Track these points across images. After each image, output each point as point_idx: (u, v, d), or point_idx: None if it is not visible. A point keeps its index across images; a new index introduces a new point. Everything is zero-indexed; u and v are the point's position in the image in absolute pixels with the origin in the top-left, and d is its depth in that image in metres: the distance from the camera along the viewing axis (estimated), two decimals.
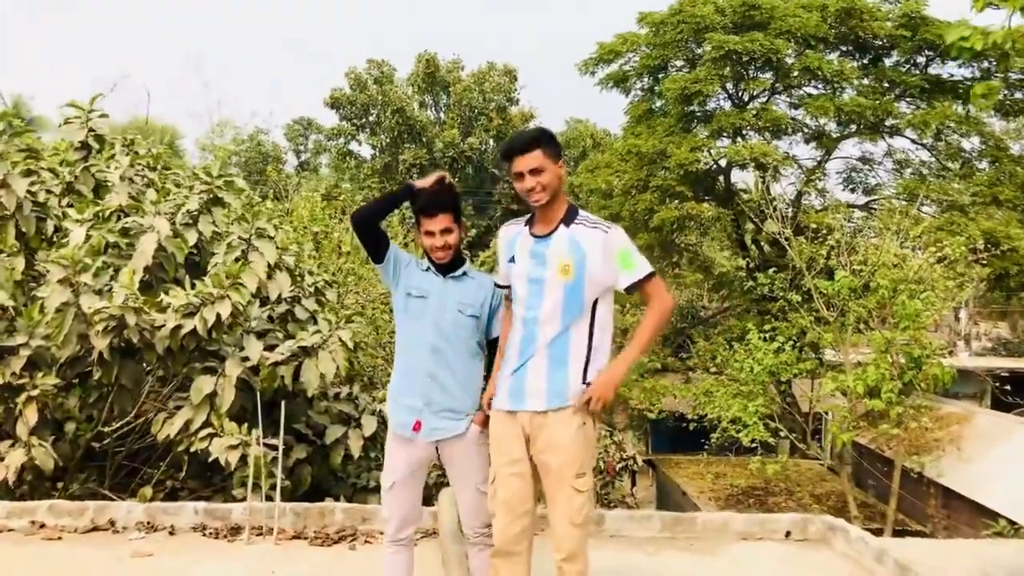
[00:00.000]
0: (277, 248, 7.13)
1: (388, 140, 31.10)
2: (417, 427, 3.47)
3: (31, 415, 5.71)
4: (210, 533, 5.10)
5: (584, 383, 3.36)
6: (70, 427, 6.50)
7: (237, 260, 6.60)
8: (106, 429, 6.31)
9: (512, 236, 3.55)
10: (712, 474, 17.67)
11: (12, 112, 6.40)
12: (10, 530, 5.06)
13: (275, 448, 5.86)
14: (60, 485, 6.58)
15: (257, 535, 5.06)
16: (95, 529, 5.10)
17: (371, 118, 31.40)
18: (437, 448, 3.52)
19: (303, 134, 40.22)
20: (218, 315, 6.02)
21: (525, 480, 3.38)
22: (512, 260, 3.49)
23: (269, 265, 6.69)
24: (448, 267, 3.56)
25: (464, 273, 3.60)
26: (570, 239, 3.37)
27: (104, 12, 76.90)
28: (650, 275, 3.38)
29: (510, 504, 3.35)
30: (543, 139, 3.39)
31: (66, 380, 6.26)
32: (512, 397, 3.39)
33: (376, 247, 3.58)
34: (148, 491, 6.33)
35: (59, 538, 4.95)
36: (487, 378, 3.60)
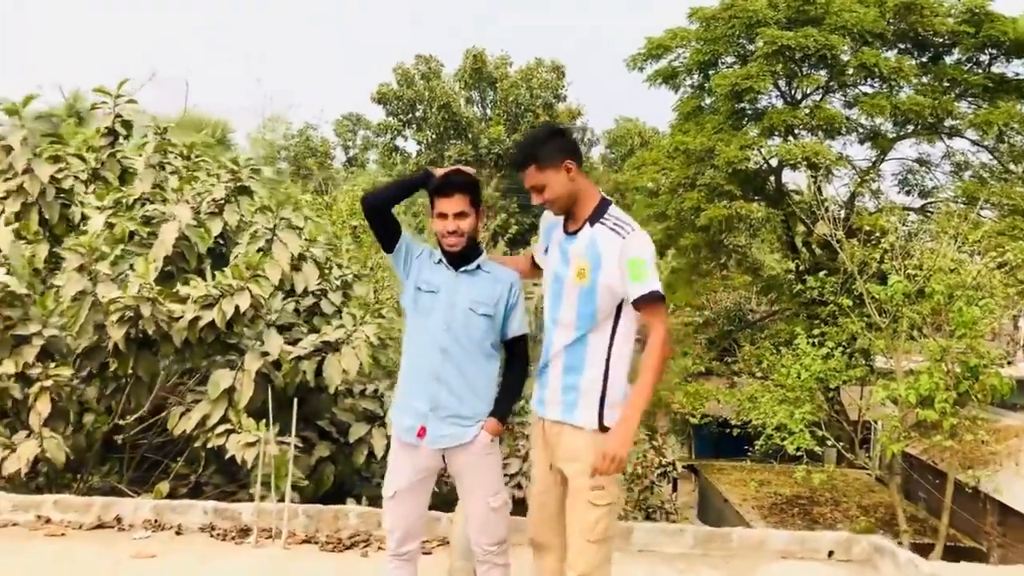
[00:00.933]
0: (305, 239, 6.96)
1: (434, 136, 30.96)
2: (422, 433, 3.19)
3: (44, 406, 5.55)
4: (218, 534, 4.88)
5: (600, 402, 3.08)
6: (88, 419, 6.38)
7: (260, 251, 6.42)
8: (122, 422, 6.14)
9: (552, 223, 3.29)
10: (755, 481, 17.18)
11: (18, 104, 6.25)
12: (14, 524, 4.90)
13: (293, 446, 5.67)
14: (79, 477, 6.47)
15: (266, 538, 4.83)
16: (100, 526, 4.91)
17: (417, 114, 31.30)
18: (444, 457, 3.22)
19: (352, 129, 40.24)
20: (237, 307, 5.82)
21: (551, 479, 3.20)
22: (547, 251, 3.27)
23: (293, 257, 6.50)
24: (461, 259, 3.25)
25: (478, 267, 3.27)
26: (590, 240, 3.08)
27: (161, 6, 77.96)
28: (653, 294, 2.97)
29: (538, 497, 3.24)
30: (535, 151, 3.07)
31: (83, 370, 6.12)
32: (537, 401, 3.22)
33: (387, 234, 3.29)
34: (164, 487, 6.16)
35: (62, 535, 4.77)
36: (506, 382, 3.31)
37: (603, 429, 3.05)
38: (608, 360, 3.07)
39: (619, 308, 3.08)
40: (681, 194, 18.42)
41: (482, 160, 29.60)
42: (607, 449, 2.93)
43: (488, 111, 32.17)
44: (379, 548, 4.78)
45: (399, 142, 33.21)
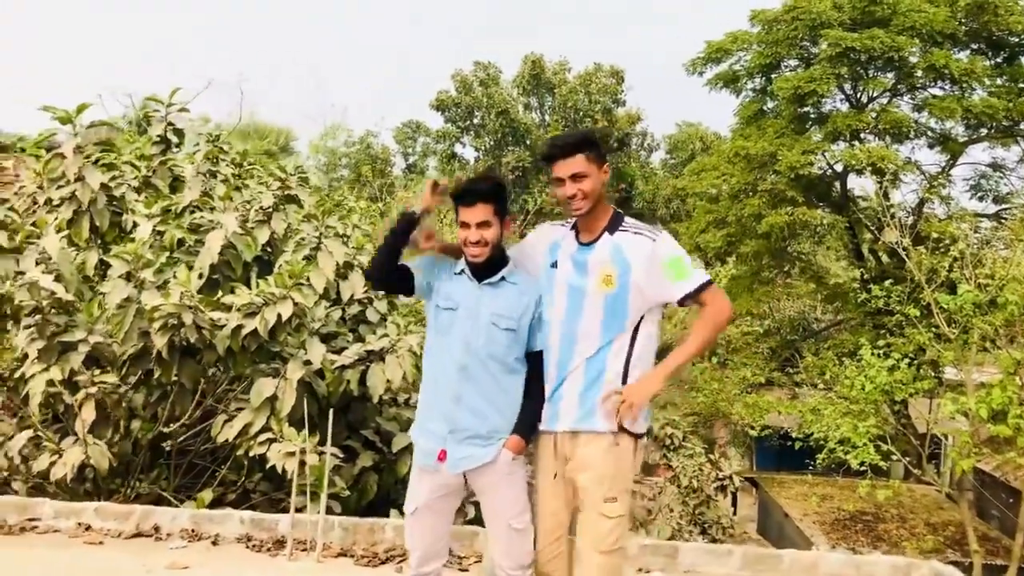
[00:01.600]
0: (352, 248, 6.92)
1: (492, 142, 30.97)
2: (442, 456, 3.06)
3: (89, 413, 5.58)
4: (254, 545, 4.83)
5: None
6: (135, 425, 6.40)
7: (306, 259, 6.39)
8: (166, 429, 6.15)
9: (557, 238, 3.22)
10: (817, 496, 16.68)
11: (71, 112, 6.32)
12: (55, 531, 4.93)
13: (335, 456, 5.62)
14: (126, 483, 6.50)
15: (302, 550, 4.77)
16: (139, 535, 4.91)
17: (475, 120, 31.34)
18: (466, 477, 3.09)
19: (411, 136, 40.46)
20: (279, 316, 5.78)
21: (561, 501, 3.10)
22: (555, 265, 3.15)
23: (338, 265, 6.45)
24: (484, 271, 3.12)
25: (502, 279, 3.14)
26: (614, 247, 3.06)
27: (225, 15, 79.66)
28: (707, 283, 3.03)
29: (546, 523, 3.13)
30: (587, 142, 3.08)
31: (129, 377, 6.15)
32: (549, 416, 3.11)
33: (404, 286, 3.21)
34: (208, 495, 6.15)
35: (100, 543, 4.77)
36: (529, 395, 3.16)
37: (623, 431, 3.00)
38: (628, 362, 3.03)
39: (640, 318, 3.07)
40: (742, 200, 18.02)
41: (539, 167, 29.48)
42: (626, 392, 2.95)
43: (546, 117, 32.05)
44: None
45: (457, 149, 33.30)
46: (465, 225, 3.05)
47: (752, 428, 17.15)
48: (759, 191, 17.62)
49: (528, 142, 30.53)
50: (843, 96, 18.91)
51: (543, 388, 3.11)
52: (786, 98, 17.50)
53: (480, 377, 3.06)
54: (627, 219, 3.14)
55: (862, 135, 18.04)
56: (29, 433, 5.81)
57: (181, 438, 6.47)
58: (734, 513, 19.18)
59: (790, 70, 18.80)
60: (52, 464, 5.67)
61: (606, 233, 3.09)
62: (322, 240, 6.48)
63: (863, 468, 13.46)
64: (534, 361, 3.15)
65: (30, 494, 6.01)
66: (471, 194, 3.07)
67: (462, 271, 3.14)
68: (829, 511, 16.77)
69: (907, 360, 13.50)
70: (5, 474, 5.95)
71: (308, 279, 6.11)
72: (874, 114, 17.76)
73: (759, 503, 20.58)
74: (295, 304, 5.86)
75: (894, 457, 13.80)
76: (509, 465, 3.07)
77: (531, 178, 29.02)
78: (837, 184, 19.55)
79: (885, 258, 18.98)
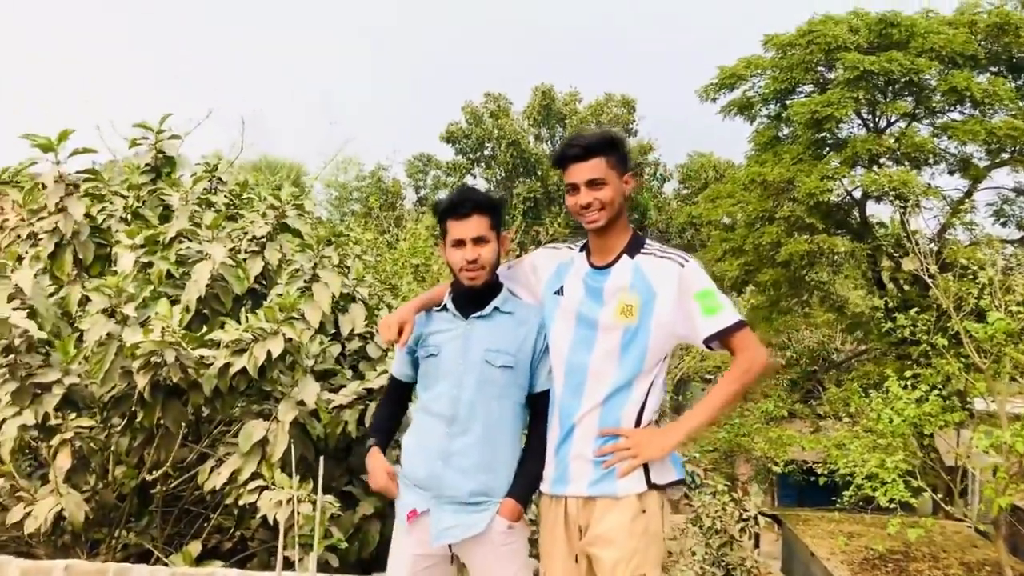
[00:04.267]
0: (353, 279, 6.53)
1: (503, 174, 30.74)
2: (411, 517, 2.61)
3: (64, 460, 5.16)
4: None
5: None
6: (119, 472, 5.98)
7: (300, 291, 5.98)
8: (150, 476, 5.71)
9: (563, 261, 2.76)
10: (844, 534, 16.04)
11: (52, 139, 5.97)
12: None
13: (331, 504, 5.19)
14: (112, 534, 6.07)
15: None
16: None
17: (486, 152, 31.14)
18: (451, 548, 2.63)
19: (423, 170, 40.35)
20: (269, 352, 5.35)
21: (577, 572, 2.63)
22: (560, 292, 2.69)
23: (334, 297, 6.04)
24: (474, 301, 2.67)
25: (495, 309, 2.70)
26: (635, 271, 2.61)
27: (234, 52, 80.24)
28: (739, 323, 2.59)
29: None
30: (607, 145, 2.66)
31: (110, 420, 5.73)
32: (556, 477, 2.64)
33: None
34: (195, 547, 5.68)
35: None
36: (530, 448, 2.70)
37: (652, 487, 2.55)
38: (641, 412, 2.58)
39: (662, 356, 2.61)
40: (759, 228, 17.57)
41: (552, 197, 29.19)
42: (634, 441, 2.52)
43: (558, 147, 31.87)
44: None
45: (468, 180, 33.10)
46: (459, 244, 2.62)
47: (775, 464, 16.56)
48: (776, 219, 17.18)
49: (539, 173, 30.29)
50: (861, 121, 18.52)
51: (546, 437, 2.66)
52: (803, 123, 17.11)
53: (472, 429, 2.61)
54: (649, 241, 2.70)
55: (881, 160, 17.61)
56: (1, 483, 5.39)
57: (173, 484, 6.06)
58: (757, 551, 18.54)
59: (806, 95, 18.43)
60: (25, 516, 5.27)
61: (625, 255, 2.65)
62: (317, 271, 6.07)
63: (892, 505, 12.92)
64: (538, 405, 2.69)
65: (2, 548, 5.59)
66: (465, 203, 2.64)
67: (444, 307, 2.70)
68: (857, 550, 16.12)
69: (935, 391, 12.99)
70: None
71: (302, 313, 5.71)
72: (894, 139, 17.34)
73: (783, 541, 19.91)
74: (287, 340, 5.44)
75: (924, 493, 13.26)
76: (504, 535, 2.61)
77: (543, 210, 28.69)
78: (855, 211, 19.10)
79: (907, 286, 18.48)
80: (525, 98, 32.06)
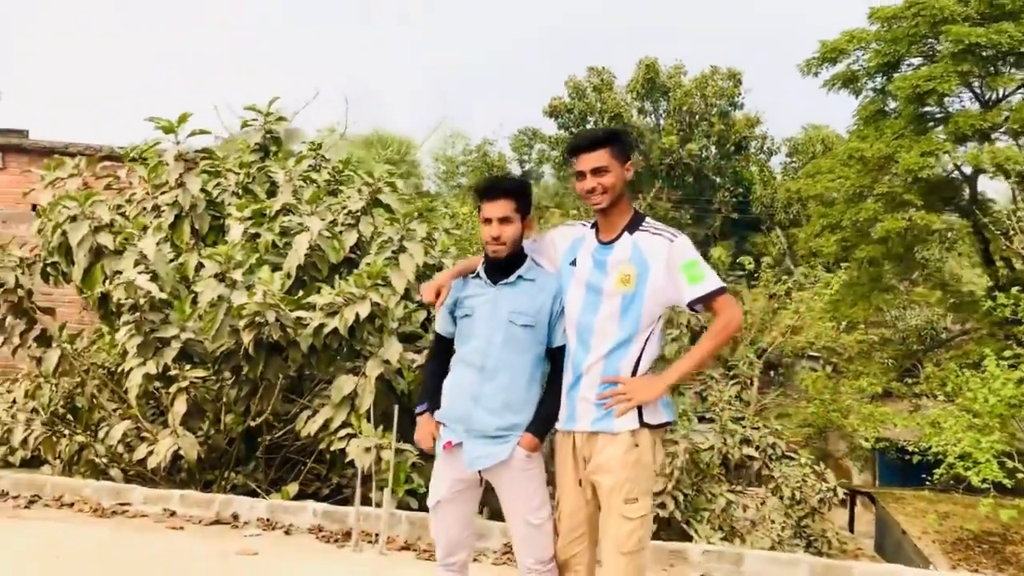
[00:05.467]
0: (439, 251, 7.10)
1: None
2: (447, 446, 3.14)
3: (180, 406, 5.92)
4: (324, 536, 5.02)
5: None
6: (229, 419, 6.73)
7: (388, 260, 6.58)
8: (253, 423, 6.43)
9: (577, 237, 3.24)
10: (936, 514, 15.86)
11: (173, 122, 6.70)
12: (143, 516, 5.24)
13: (412, 452, 5.75)
14: (221, 474, 6.84)
15: (369, 542, 4.91)
16: (218, 522, 5.17)
17: (589, 126, 31.31)
18: (481, 474, 3.15)
19: (528, 144, 40.80)
20: (357, 315, 5.98)
21: (581, 500, 3.12)
22: (574, 263, 3.18)
23: (419, 267, 6.61)
24: (501, 272, 3.18)
25: (519, 277, 3.19)
26: (633, 247, 3.07)
27: (353, 29, 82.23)
28: (720, 289, 3.00)
29: (566, 522, 3.16)
30: (611, 138, 3.12)
31: (220, 373, 6.47)
32: (567, 416, 3.13)
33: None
34: (293, 488, 6.41)
35: (181, 528, 5.05)
36: (547, 391, 3.20)
37: (643, 426, 3.01)
38: (637, 364, 3.05)
39: (656, 319, 3.08)
40: (857, 204, 17.36)
41: (654, 170, 29.22)
42: (628, 387, 2.98)
43: (661, 121, 31.74)
44: (475, 559, 4.75)
45: None
46: (487, 221, 3.13)
47: (866, 440, 16.45)
48: (875, 194, 16.93)
49: (642, 147, 30.31)
50: (972, 95, 17.97)
51: (560, 385, 3.15)
52: (905, 97, 16.76)
53: (498, 375, 3.11)
54: (648, 219, 3.14)
55: (994, 135, 17.09)
56: (128, 424, 6.20)
57: (278, 434, 6.77)
58: (851, 529, 18.45)
59: (912, 68, 17.99)
60: (149, 454, 6.07)
61: (626, 232, 3.10)
62: (404, 242, 6.65)
63: (984, 485, 12.76)
64: (556, 358, 3.18)
65: (130, 481, 6.43)
66: (494, 189, 3.14)
67: (477, 275, 3.21)
68: (951, 530, 15.90)
69: None
70: (105, 461, 6.36)
71: (388, 280, 6.31)
72: (1005, 113, 16.79)
73: (876, 519, 19.72)
74: (373, 304, 6.05)
75: (1020, 474, 13.02)
76: (524, 462, 3.10)
77: (644, 183, 28.77)
78: (966, 187, 18.59)
79: (1018, 264, 17.91)
80: (629, 72, 32.11)
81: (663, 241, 3.03)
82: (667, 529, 7.87)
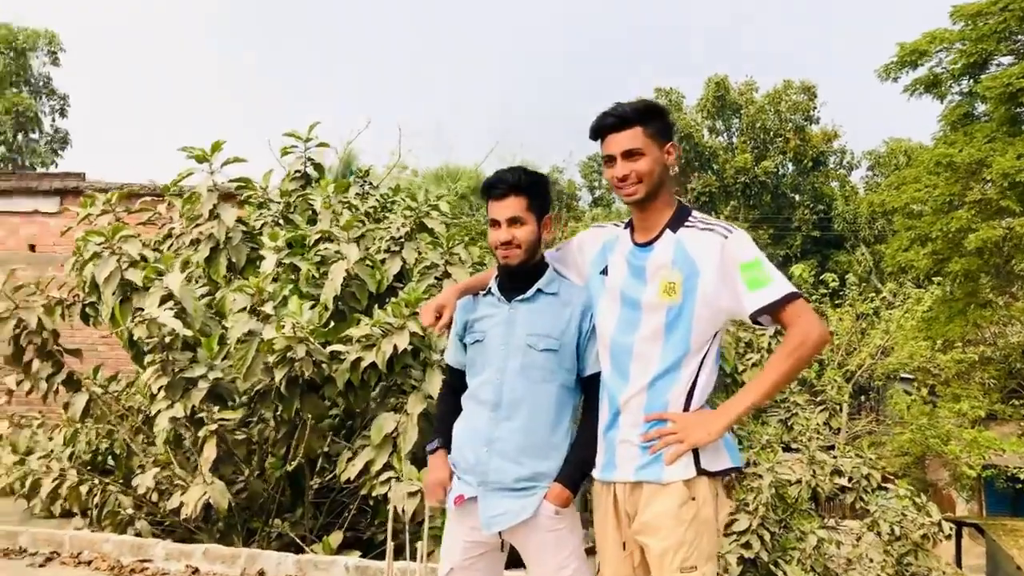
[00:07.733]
0: None
1: (676, 169, 30.19)
2: (458, 501, 2.56)
3: (210, 451, 5.49)
4: None
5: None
6: (268, 463, 6.30)
7: (430, 287, 6.10)
8: (289, 467, 5.98)
9: (608, 240, 2.62)
10: None
11: (206, 151, 6.40)
12: (164, 573, 4.80)
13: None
14: (266, 522, 6.40)
15: None
16: None
17: None
18: (501, 535, 2.57)
19: (597, 170, 40.32)
20: (395, 347, 5.48)
21: (627, 566, 2.51)
22: (605, 272, 2.56)
23: None
24: (516, 286, 2.60)
25: (539, 291, 2.61)
26: (677, 247, 2.43)
27: (418, 65, 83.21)
28: (791, 296, 2.32)
29: None
30: (645, 114, 2.48)
31: (256, 413, 6.05)
32: (604, 462, 2.51)
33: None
34: (336, 538, 5.91)
35: None
36: (580, 431, 2.60)
37: (702, 473, 2.37)
38: (691, 394, 2.39)
39: (713, 335, 2.41)
40: (948, 214, 16.27)
41: (728, 190, 28.35)
42: (680, 426, 2.33)
43: (733, 139, 30.86)
44: None
45: None
46: (495, 224, 2.57)
47: (970, 467, 15.27)
48: (967, 203, 15.84)
49: (715, 167, 29.49)
50: None
51: (597, 420, 2.55)
52: (995, 98, 15.69)
53: (516, 415, 2.53)
54: (695, 213, 2.52)
55: None
56: (158, 471, 5.81)
57: (328, 477, 6.31)
58: (958, 564, 17.17)
59: (1002, 68, 16.89)
60: (181, 504, 5.65)
61: (668, 231, 2.47)
62: (447, 267, 6.17)
63: None
64: (590, 388, 2.59)
65: (167, 531, 6.03)
66: (501, 184, 2.58)
67: (488, 291, 2.65)
68: None
69: None
70: (130, 512, 5.97)
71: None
72: None
73: (987, 552, 18.34)
74: (412, 334, 5.56)
75: None
76: (552, 520, 2.52)
77: (719, 203, 27.91)
78: None
79: None
80: (698, 92, 31.37)
81: (715, 238, 2.39)
82: (753, 571, 7.20)
